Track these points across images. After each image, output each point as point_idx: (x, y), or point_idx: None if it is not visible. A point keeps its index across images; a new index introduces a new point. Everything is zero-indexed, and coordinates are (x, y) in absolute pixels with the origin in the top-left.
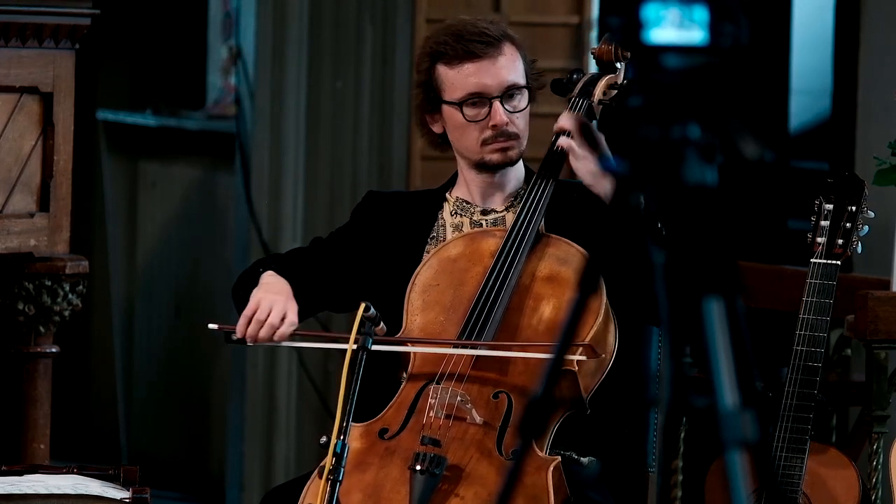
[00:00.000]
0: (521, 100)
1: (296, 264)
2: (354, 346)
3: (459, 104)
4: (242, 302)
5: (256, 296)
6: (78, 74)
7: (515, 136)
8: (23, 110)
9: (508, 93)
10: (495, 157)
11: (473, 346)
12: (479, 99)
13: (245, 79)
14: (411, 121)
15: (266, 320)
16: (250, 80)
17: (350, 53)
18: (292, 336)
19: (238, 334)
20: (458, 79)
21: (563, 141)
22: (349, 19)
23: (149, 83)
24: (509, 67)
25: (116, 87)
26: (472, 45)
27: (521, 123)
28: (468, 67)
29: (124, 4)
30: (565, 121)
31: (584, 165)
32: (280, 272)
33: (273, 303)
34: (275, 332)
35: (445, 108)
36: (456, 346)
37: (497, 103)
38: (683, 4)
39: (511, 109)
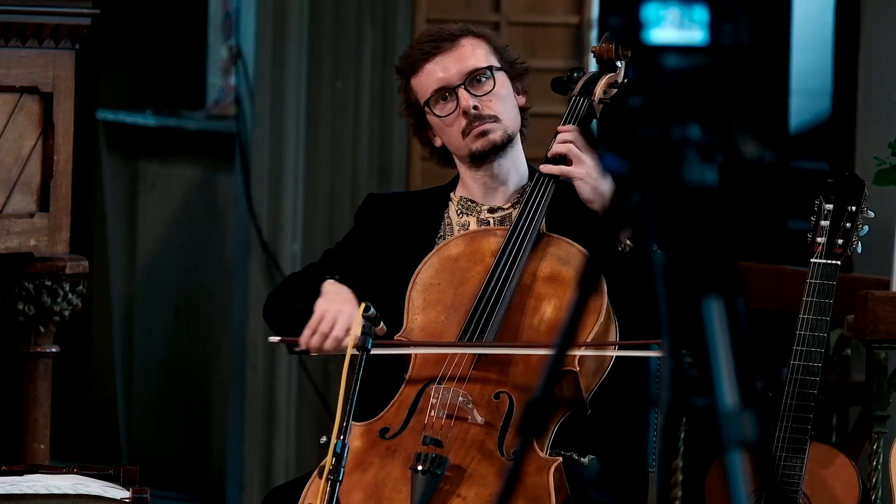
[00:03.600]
0: (488, 82)
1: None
2: (355, 349)
3: (430, 105)
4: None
5: (321, 307)
6: (78, 74)
7: (493, 119)
8: (23, 110)
9: (472, 78)
10: (478, 143)
11: (476, 347)
12: (445, 93)
13: (245, 79)
14: None
15: (330, 333)
16: (250, 80)
17: (350, 53)
18: None
19: (302, 346)
20: (422, 82)
21: (562, 149)
22: (349, 19)
23: (149, 83)
24: (469, 55)
25: (116, 87)
26: (426, 45)
27: (495, 105)
28: (427, 67)
29: (124, 4)
30: (567, 137)
31: (586, 174)
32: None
33: (338, 315)
34: (339, 345)
35: (427, 115)
36: (457, 347)
37: (461, 90)
38: (683, 4)
39: (478, 93)
